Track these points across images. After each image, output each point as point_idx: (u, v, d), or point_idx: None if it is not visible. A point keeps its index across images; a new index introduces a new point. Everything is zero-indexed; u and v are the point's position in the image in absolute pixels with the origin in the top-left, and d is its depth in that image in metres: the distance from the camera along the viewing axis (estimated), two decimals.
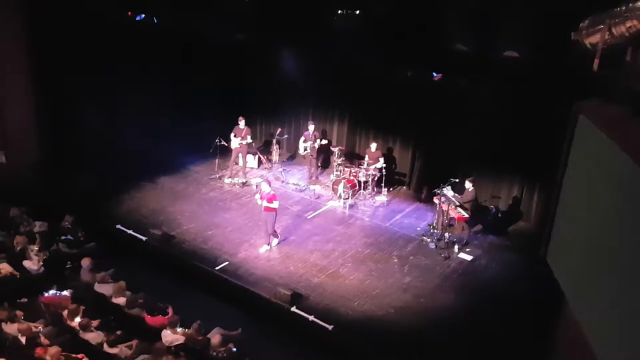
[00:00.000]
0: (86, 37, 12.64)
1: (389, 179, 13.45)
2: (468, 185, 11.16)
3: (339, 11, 10.68)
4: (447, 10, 9.46)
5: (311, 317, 8.92)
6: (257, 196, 10.74)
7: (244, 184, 13.68)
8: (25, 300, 8.57)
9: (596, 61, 5.48)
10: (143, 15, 13.44)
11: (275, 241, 11.07)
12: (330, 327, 8.73)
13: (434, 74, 11.96)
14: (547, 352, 8.09)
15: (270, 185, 10.67)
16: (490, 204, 12.53)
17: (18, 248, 9.61)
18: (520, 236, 11.86)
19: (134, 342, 7.62)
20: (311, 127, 13.66)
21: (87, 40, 12.66)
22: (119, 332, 7.75)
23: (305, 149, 13.64)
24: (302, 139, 13.67)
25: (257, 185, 13.32)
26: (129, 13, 13.41)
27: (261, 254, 10.73)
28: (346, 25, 10.68)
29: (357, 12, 10.60)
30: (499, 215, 12.33)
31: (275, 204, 10.50)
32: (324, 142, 13.77)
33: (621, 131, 4.58)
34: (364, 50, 11.11)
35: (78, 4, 12.28)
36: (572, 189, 5.86)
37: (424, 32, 9.68)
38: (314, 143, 13.56)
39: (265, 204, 10.48)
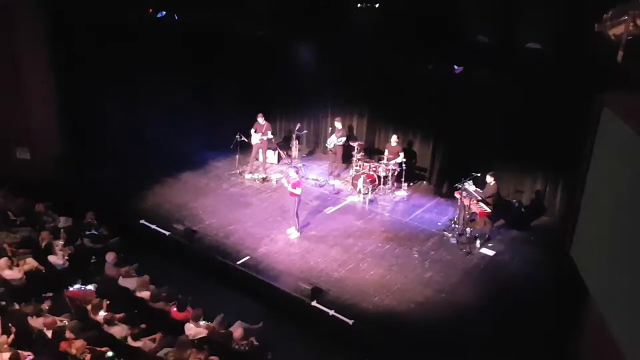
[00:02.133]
0: (109, 34, 12.77)
1: (409, 174, 13.37)
2: (489, 179, 11.03)
3: (359, 4, 10.63)
4: (467, 2, 9.36)
5: (332, 312, 8.94)
6: (284, 180, 11.21)
7: (264, 179, 13.73)
8: (51, 294, 8.75)
9: (620, 52, 5.38)
10: (164, 13, 13.53)
11: (295, 234, 11.13)
12: (350, 322, 8.74)
13: (455, 67, 11.84)
14: (571, 348, 8.00)
15: (297, 173, 11.12)
16: (513, 199, 12.39)
17: (43, 243, 9.80)
18: (544, 231, 11.70)
19: (158, 336, 7.73)
20: (338, 125, 13.65)
21: (109, 37, 12.80)
22: (143, 326, 7.87)
23: (332, 143, 13.67)
24: (334, 135, 13.71)
25: (277, 180, 13.39)
26: (150, 10, 13.51)
27: (282, 248, 10.79)
28: (366, 19, 10.63)
29: (377, 5, 10.55)
30: (522, 209, 12.19)
31: (297, 190, 10.83)
32: (343, 139, 13.73)
33: None
34: (384, 44, 11.05)
35: (102, 1, 12.41)
36: (596, 182, 5.77)
37: (444, 25, 9.59)
38: (338, 139, 13.56)
39: (289, 188, 10.85)
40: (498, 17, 9.11)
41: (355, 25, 10.64)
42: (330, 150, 13.85)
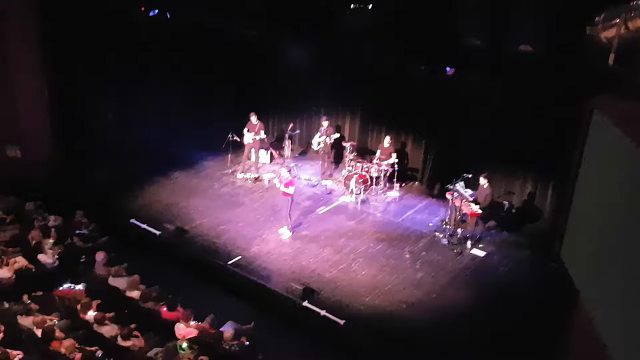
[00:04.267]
0: (101, 34, 12.72)
1: (402, 175, 13.40)
2: (482, 181, 11.04)
3: (352, 5, 10.63)
4: (460, 4, 9.39)
5: (323, 312, 8.95)
6: (277, 180, 11.24)
7: (256, 179, 13.71)
8: (40, 293, 8.69)
9: (611, 56, 5.42)
10: (156, 11, 13.47)
11: (287, 234, 11.13)
12: (341, 322, 8.75)
13: (447, 69, 11.86)
14: (560, 350, 8.04)
15: (290, 172, 11.11)
16: (504, 200, 12.44)
17: (33, 242, 9.73)
18: (534, 233, 11.75)
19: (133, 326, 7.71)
20: (325, 123, 13.65)
21: (102, 37, 12.75)
22: (132, 326, 7.84)
23: (319, 144, 13.64)
24: (318, 134, 13.69)
25: (270, 180, 13.36)
26: (142, 9, 13.46)
27: (273, 248, 10.78)
28: (358, 20, 10.63)
29: (370, 6, 10.55)
30: (513, 211, 12.25)
31: (290, 190, 10.84)
32: (337, 135, 13.75)
33: (637, 127, 4.53)
34: (377, 45, 11.06)
35: (93, 0, 12.36)
36: (586, 185, 5.80)
37: (437, 27, 9.61)
38: (327, 138, 13.56)
39: (282, 188, 10.84)
40: (490, 19, 9.14)
41: (349, 26, 10.63)
42: (323, 150, 13.84)
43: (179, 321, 7.94)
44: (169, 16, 13.51)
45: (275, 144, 15.38)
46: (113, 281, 8.90)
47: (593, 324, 5.10)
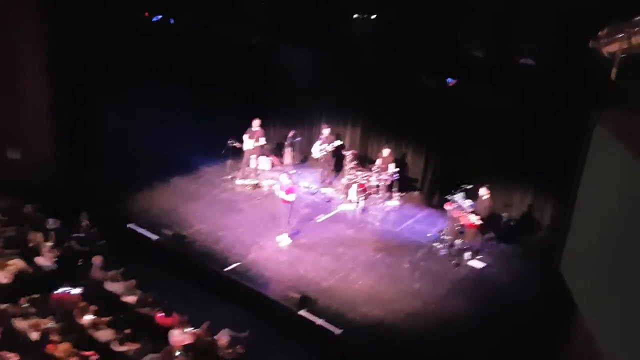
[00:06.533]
0: (104, 37, 12.74)
1: (401, 184, 13.39)
2: (483, 192, 11.00)
3: (355, 15, 10.68)
4: (463, 16, 9.43)
5: (319, 321, 8.91)
6: (277, 186, 11.21)
7: (255, 185, 13.69)
8: (37, 296, 8.65)
9: (614, 70, 5.42)
10: (160, 17, 13.50)
11: (286, 241, 11.09)
12: (338, 331, 8.71)
13: (449, 80, 11.89)
14: None
15: (290, 179, 11.10)
16: (503, 212, 12.42)
17: (31, 244, 9.70)
18: (533, 245, 11.72)
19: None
20: (326, 131, 13.66)
21: (105, 41, 12.76)
22: (128, 331, 7.80)
23: (320, 152, 13.65)
24: (318, 142, 13.69)
25: (270, 187, 13.34)
26: (146, 14, 13.49)
27: (271, 256, 10.75)
28: (361, 30, 10.67)
29: (373, 16, 10.60)
30: (511, 223, 12.23)
31: (290, 197, 10.83)
32: (338, 142, 13.75)
33: (638, 141, 4.52)
34: (379, 55, 11.09)
35: (98, 4, 12.39)
36: (587, 199, 5.79)
37: (439, 38, 9.65)
38: (327, 146, 13.56)
39: (282, 195, 10.84)
40: (493, 32, 9.18)
41: (352, 36, 10.67)
42: (323, 158, 13.81)
43: (174, 327, 7.89)
44: (172, 21, 13.54)
45: (275, 150, 15.38)
46: (109, 286, 8.87)
47: (592, 337, 5.08)
